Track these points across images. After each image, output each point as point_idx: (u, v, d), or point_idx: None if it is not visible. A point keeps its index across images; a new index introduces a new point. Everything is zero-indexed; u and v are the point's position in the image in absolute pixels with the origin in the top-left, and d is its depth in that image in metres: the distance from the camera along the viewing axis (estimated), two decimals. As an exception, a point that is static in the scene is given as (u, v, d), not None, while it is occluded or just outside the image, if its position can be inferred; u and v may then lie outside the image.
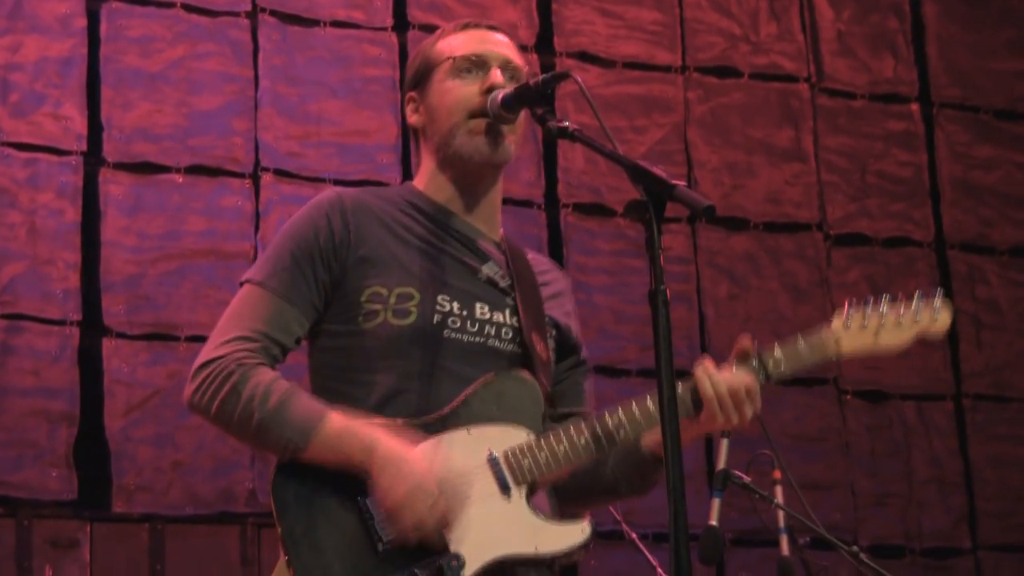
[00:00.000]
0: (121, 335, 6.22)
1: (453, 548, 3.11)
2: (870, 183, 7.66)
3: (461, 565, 3.09)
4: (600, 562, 6.70)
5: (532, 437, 3.22)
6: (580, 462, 3.24)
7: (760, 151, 7.50)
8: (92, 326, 6.22)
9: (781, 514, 4.83)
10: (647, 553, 5.62)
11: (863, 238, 7.59)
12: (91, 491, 6.09)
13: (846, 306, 3.40)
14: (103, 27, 6.46)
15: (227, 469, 6.18)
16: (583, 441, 3.23)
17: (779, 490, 4.86)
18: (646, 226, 2.85)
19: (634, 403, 3.26)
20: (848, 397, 7.34)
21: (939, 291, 3.49)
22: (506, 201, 6.76)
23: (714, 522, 4.69)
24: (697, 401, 3.22)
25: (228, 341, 3.25)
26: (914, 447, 7.41)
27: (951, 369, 7.56)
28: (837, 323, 3.39)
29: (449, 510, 3.10)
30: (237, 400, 3.18)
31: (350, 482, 3.12)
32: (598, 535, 6.54)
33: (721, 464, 4.79)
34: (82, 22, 6.41)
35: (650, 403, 3.23)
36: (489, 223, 3.49)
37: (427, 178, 3.47)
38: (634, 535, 5.71)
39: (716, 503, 4.74)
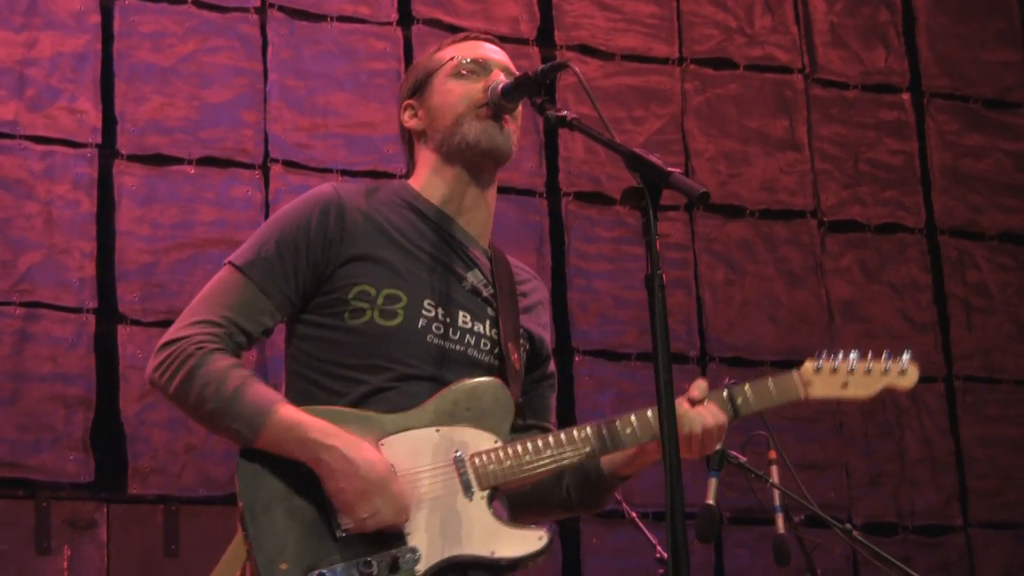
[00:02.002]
0: (136, 322, 6.26)
1: (411, 542, 3.12)
2: (863, 171, 7.70)
3: (416, 559, 3.11)
4: (601, 540, 6.74)
5: (500, 443, 3.24)
6: (545, 472, 3.25)
7: (755, 140, 7.55)
8: (107, 313, 6.26)
9: (777, 493, 4.88)
10: (646, 531, 5.66)
11: (856, 224, 7.63)
12: (107, 474, 6.14)
13: (818, 353, 3.49)
14: (116, 23, 6.50)
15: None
16: (582, 435, 3.26)
17: (775, 470, 4.91)
18: (642, 212, 2.87)
19: (636, 413, 3.31)
20: (842, 380, 7.39)
21: (908, 351, 3.57)
22: (508, 190, 6.92)
23: (711, 501, 4.73)
24: None
25: (194, 323, 3.25)
26: (906, 428, 7.45)
27: (942, 352, 7.60)
28: (808, 367, 3.46)
29: (406, 506, 3.11)
30: (191, 385, 3.19)
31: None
32: (598, 514, 6.67)
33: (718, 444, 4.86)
34: (96, 18, 6.46)
35: (650, 414, 3.27)
36: (481, 229, 3.49)
37: (425, 179, 3.47)
38: (634, 514, 5.75)
39: (713, 482, 4.79)
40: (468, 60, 3.46)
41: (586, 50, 7.35)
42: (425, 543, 3.12)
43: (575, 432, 3.28)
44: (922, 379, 7.28)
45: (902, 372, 3.53)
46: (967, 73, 8.00)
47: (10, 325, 6.12)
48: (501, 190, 6.92)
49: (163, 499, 6.19)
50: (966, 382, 7.61)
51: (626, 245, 7.13)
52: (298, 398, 3.27)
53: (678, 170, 2.92)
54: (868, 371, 3.50)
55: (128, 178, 6.42)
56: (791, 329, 7.35)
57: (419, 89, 3.50)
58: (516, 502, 3.38)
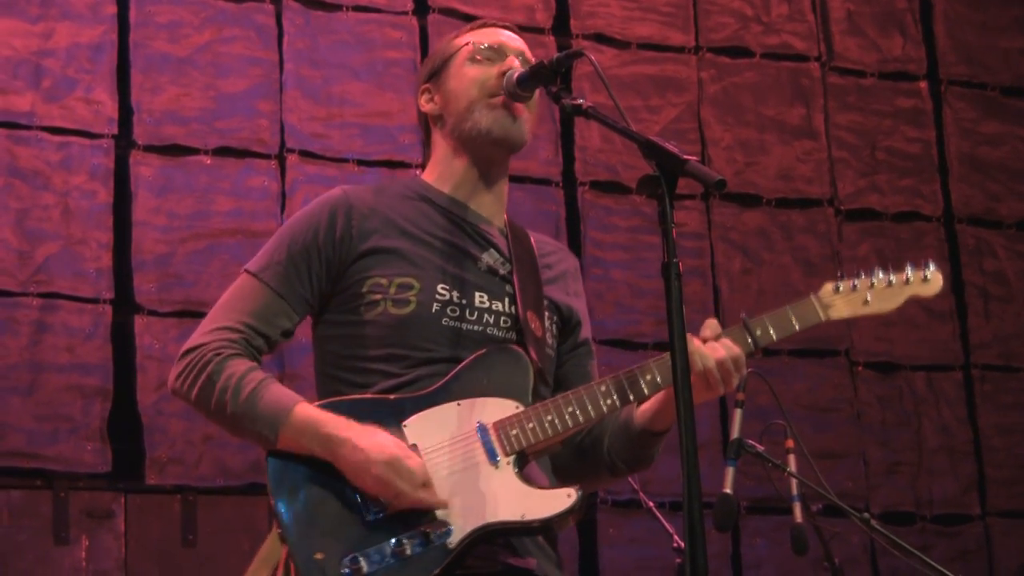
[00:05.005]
0: (152, 312, 6.29)
1: (440, 517, 3.14)
2: (880, 159, 7.70)
3: (448, 533, 3.12)
4: (618, 530, 6.75)
5: (521, 408, 3.23)
6: (569, 430, 3.24)
7: (772, 129, 7.55)
8: (124, 304, 6.29)
9: (794, 482, 4.87)
10: (663, 521, 5.68)
11: (873, 213, 7.64)
12: (125, 463, 6.16)
13: (838, 274, 3.42)
14: (132, 13, 6.52)
15: (256, 442, 6.24)
16: (603, 389, 3.24)
17: (792, 459, 4.90)
18: (658, 200, 2.87)
19: (655, 360, 3.26)
20: (859, 368, 7.39)
21: (930, 262, 3.47)
22: (525, 179, 6.93)
23: (728, 490, 4.73)
24: None
25: (212, 330, 3.31)
26: (924, 416, 7.46)
27: (960, 340, 7.60)
28: (828, 289, 3.39)
29: (426, 479, 3.13)
30: (212, 390, 3.23)
31: None
32: (616, 504, 6.68)
33: (735, 433, 4.83)
34: (112, 9, 6.48)
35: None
36: (494, 209, 3.51)
37: (438, 168, 3.51)
38: (651, 503, 5.76)
39: (730, 471, 4.78)
40: (484, 46, 3.48)
41: (602, 39, 7.36)
42: (455, 516, 3.14)
43: (596, 387, 3.27)
44: (940, 368, 7.49)
45: (925, 280, 3.43)
46: (984, 60, 8.00)
47: (27, 316, 6.15)
48: (517, 179, 6.97)
49: (180, 489, 6.21)
50: (984, 371, 7.62)
51: (642, 234, 7.15)
52: (327, 397, 3.32)
53: (694, 158, 2.91)
54: (890, 284, 3.41)
55: (144, 168, 6.44)
56: (808, 318, 7.31)
57: (436, 74, 3.53)
58: (562, 471, 3.40)
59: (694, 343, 3.22)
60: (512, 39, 3.52)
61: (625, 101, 7.05)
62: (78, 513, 6.03)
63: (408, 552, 3.11)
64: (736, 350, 3.26)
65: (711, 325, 3.29)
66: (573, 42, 7.23)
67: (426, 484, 3.14)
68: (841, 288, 3.39)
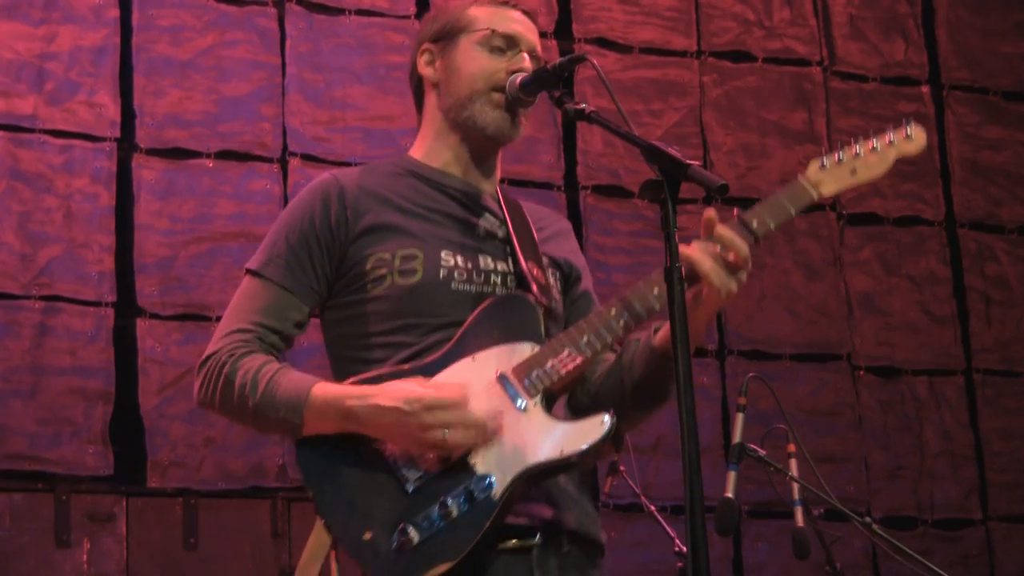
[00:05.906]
0: (154, 315, 6.31)
1: (480, 471, 3.08)
2: None
3: (491, 485, 3.07)
4: (619, 534, 6.75)
5: (537, 348, 3.18)
6: (589, 360, 3.18)
7: (774, 133, 7.57)
8: (126, 307, 6.30)
9: (796, 486, 4.83)
10: (665, 525, 5.71)
11: (875, 217, 7.65)
12: (126, 467, 6.18)
13: (823, 151, 3.33)
14: (135, 17, 6.54)
15: (258, 445, 6.25)
16: (612, 311, 3.17)
17: (794, 463, 4.87)
18: (661, 205, 2.85)
19: (656, 270, 3.16)
20: (861, 373, 7.40)
21: (911, 119, 3.39)
22: (527, 183, 6.94)
23: (730, 494, 4.67)
24: (690, 278, 3.09)
25: (224, 336, 3.28)
26: (926, 421, 7.47)
27: (961, 345, 7.62)
28: (813, 167, 3.30)
29: (467, 401, 3.08)
30: (232, 390, 3.21)
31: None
32: (617, 508, 6.67)
33: (737, 437, 4.80)
34: (114, 12, 6.51)
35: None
36: (486, 179, 3.48)
37: (427, 143, 3.47)
38: (652, 507, 5.79)
39: (732, 476, 4.73)
40: (500, 34, 3.43)
41: (604, 43, 7.38)
42: (494, 466, 3.08)
43: (606, 311, 3.20)
44: (941, 372, 7.49)
45: (908, 137, 3.35)
46: (986, 65, 8.02)
47: (30, 319, 6.16)
48: (519, 183, 6.96)
49: (182, 492, 6.24)
50: (985, 375, 7.63)
51: (644, 238, 7.16)
52: (344, 380, 3.27)
53: (696, 163, 2.89)
54: (874, 149, 3.31)
55: (147, 172, 6.46)
56: (810, 322, 7.36)
57: (443, 39, 3.48)
58: (589, 414, 3.29)
59: (688, 250, 3.13)
60: (528, 30, 3.47)
61: (627, 105, 7.08)
62: (80, 516, 6.05)
63: (455, 513, 3.05)
64: (737, 240, 3.16)
65: (709, 220, 3.18)
66: (575, 46, 7.24)
67: (467, 405, 3.09)
68: (826, 163, 3.30)
